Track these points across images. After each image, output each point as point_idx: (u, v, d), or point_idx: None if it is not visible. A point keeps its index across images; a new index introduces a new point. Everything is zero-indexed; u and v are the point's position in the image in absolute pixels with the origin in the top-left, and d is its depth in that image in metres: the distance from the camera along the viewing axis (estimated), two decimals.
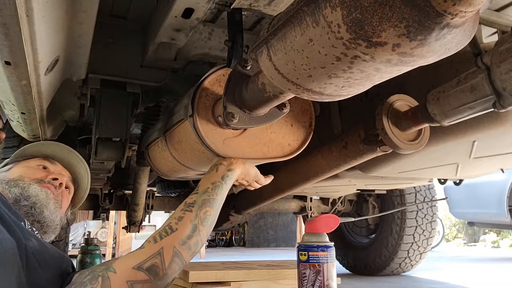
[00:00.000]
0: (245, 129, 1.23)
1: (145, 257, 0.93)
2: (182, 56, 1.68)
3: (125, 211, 3.00)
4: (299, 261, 1.08)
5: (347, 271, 3.77)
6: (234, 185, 1.23)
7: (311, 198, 3.30)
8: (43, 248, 0.99)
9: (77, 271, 1.01)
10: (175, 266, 0.95)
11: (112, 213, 5.66)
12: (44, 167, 1.26)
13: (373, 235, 3.57)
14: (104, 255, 6.07)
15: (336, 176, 1.91)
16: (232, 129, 1.19)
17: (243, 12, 1.32)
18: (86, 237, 2.30)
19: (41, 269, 0.94)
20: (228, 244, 11.93)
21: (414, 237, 3.28)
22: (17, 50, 0.94)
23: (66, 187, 1.29)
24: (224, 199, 1.13)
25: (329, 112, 1.81)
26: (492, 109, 1.08)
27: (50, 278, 0.96)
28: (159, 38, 1.50)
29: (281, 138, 1.29)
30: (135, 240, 7.57)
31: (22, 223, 1.03)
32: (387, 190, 3.22)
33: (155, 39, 1.52)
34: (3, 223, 0.91)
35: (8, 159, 1.33)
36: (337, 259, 3.75)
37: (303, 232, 1.15)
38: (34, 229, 1.09)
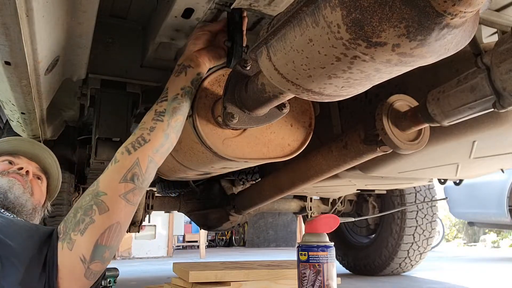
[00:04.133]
0: (244, 129, 1.23)
1: (125, 169, 0.97)
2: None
3: None
4: (299, 261, 1.08)
5: (347, 271, 3.77)
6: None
7: (311, 198, 3.29)
8: (10, 223, 1.00)
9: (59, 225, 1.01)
10: (150, 170, 1.01)
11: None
12: (9, 162, 1.29)
13: (373, 235, 3.57)
14: None
15: (336, 176, 1.91)
16: (232, 129, 1.19)
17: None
18: None
19: (11, 241, 0.93)
20: (228, 244, 11.93)
21: (414, 237, 3.28)
22: (17, 50, 0.95)
23: (38, 178, 1.32)
24: (193, 97, 1.15)
25: (329, 112, 1.81)
26: (492, 109, 1.07)
27: (26, 246, 0.94)
28: (159, 38, 1.50)
29: (281, 138, 1.29)
30: (135, 240, 7.60)
31: None
32: (387, 190, 3.22)
33: (155, 39, 1.52)
34: None
35: None
36: (337, 259, 3.75)
37: (303, 232, 1.15)
38: (6, 212, 1.12)
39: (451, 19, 0.53)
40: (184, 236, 10.95)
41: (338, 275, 1.12)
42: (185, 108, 1.09)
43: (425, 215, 3.31)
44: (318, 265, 1.04)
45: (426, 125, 1.24)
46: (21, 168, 1.27)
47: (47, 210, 1.39)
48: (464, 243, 11.08)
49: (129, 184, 0.97)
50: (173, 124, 1.05)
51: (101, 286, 1.06)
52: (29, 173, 1.28)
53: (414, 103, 1.31)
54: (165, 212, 6.50)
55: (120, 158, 1.00)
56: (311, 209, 3.28)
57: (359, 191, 3.04)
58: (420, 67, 0.65)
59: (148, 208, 2.90)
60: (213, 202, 2.87)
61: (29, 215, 1.21)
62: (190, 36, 1.21)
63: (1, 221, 0.98)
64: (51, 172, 1.42)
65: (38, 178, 1.33)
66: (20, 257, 0.90)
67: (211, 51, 1.18)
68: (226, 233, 11.93)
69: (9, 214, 1.12)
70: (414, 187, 3.28)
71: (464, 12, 0.52)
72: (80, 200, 0.97)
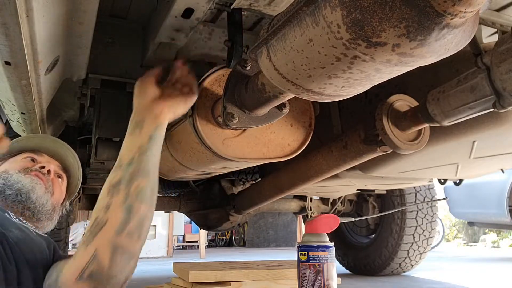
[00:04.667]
0: (244, 129, 1.23)
1: (82, 266, 0.82)
2: (182, 56, 1.68)
3: None
4: (299, 261, 1.08)
5: (347, 271, 3.77)
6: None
7: (311, 198, 3.29)
8: (26, 237, 0.98)
9: (57, 261, 0.98)
10: (119, 262, 0.83)
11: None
12: (32, 159, 1.25)
13: (373, 235, 3.57)
14: None
15: (336, 176, 1.91)
16: (232, 129, 1.19)
17: (243, 12, 1.32)
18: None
19: (25, 256, 0.93)
20: (228, 244, 11.93)
21: (414, 237, 3.28)
22: (17, 50, 0.94)
23: (58, 176, 1.28)
24: (159, 156, 0.95)
25: (329, 112, 1.81)
26: (492, 109, 1.07)
27: (36, 263, 0.95)
28: (159, 38, 1.50)
29: (281, 138, 1.29)
30: None
31: (6, 214, 1.03)
32: (387, 190, 3.22)
33: (155, 39, 1.52)
34: None
35: None
36: (337, 259, 3.75)
37: (303, 232, 1.15)
38: (23, 220, 1.09)
39: (451, 19, 0.53)
40: (184, 236, 10.95)
41: (338, 275, 1.12)
42: (147, 169, 0.90)
43: (425, 215, 3.31)
44: (318, 265, 1.04)
45: (426, 125, 1.24)
46: (43, 167, 1.22)
47: (65, 209, 1.35)
48: (464, 243, 11.08)
49: (85, 284, 0.81)
50: (134, 193, 0.86)
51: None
52: (50, 172, 1.24)
53: (414, 103, 1.31)
54: (165, 212, 6.49)
55: (80, 250, 0.84)
56: (311, 209, 3.28)
57: (359, 191, 3.04)
58: (420, 67, 0.65)
59: None
60: (213, 202, 2.87)
61: (48, 215, 1.17)
62: (134, 93, 1.03)
63: (18, 234, 0.96)
64: (72, 171, 1.37)
65: (59, 176, 1.29)
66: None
67: (167, 97, 1.01)
68: (226, 233, 11.93)
69: (30, 225, 1.09)
70: (414, 187, 3.28)
71: (464, 12, 0.52)
72: (53, 270, 0.91)
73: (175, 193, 3.20)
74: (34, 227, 1.12)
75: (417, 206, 3.27)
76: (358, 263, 3.62)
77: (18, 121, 1.73)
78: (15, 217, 1.06)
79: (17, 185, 1.12)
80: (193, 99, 1.07)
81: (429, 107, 1.17)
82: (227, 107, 1.09)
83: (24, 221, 1.09)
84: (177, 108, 1.02)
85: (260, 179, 2.79)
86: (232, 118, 1.08)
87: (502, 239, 9.77)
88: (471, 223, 5.91)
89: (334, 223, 1.12)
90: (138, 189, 0.87)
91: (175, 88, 1.04)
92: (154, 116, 0.96)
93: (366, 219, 3.53)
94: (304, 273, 1.06)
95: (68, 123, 2.46)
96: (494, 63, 1.02)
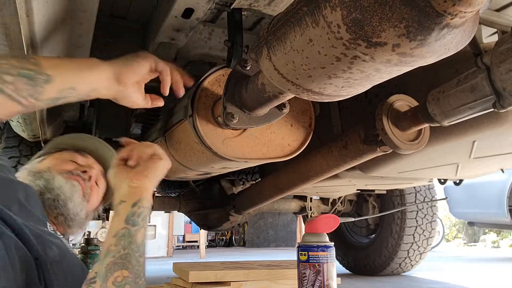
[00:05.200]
0: (244, 129, 1.23)
1: None
2: (182, 56, 1.68)
3: None
4: (299, 261, 1.08)
5: (347, 271, 3.77)
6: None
7: (311, 198, 3.29)
8: (63, 259, 0.93)
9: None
10: None
11: (112, 213, 5.65)
12: (75, 160, 1.21)
13: (373, 235, 3.57)
14: None
15: (336, 176, 1.91)
16: (232, 129, 1.19)
17: (243, 12, 1.32)
18: (86, 237, 2.31)
19: (58, 280, 0.89)
20: (228, 244, 11.93)
21: (414, 237, 3.28)
22: (17, 49, 0.95)
23: (97, 183, 1.22)
24: (144, 235, 0.85)
25: (329, 112, 1.81)
26: (492, 109, 1.07)
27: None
28: (159, 38, 1.50)
29: (281, 138, 1.29)
30: None
31: (48, 224, 1.01)
32: (387, 190, 3.22)
33: (155, 39, 1.52)
34: (21, 239, 0.86)
35: (42, 150, 1.29)
36: (337, 259, 3.75)
37: (303, 232, 1.15)
38: (58, 233, 1.07)
39: (451, 19, 0.53)
40: (184, 236, 10.95)
41: (338, 275, 1.12)
42: (128, 256, 0.79)
43: (425, 215, 3.31)
44: (318, 265, 1.04)
45: (426, 125, 1.24)
46: (85, 171, 1.17)
47: (97, 214, 1.30)
48: (464, 243, 11.08)
49: None
50: (111, 286, 0.77)
51: None
52: (91, 178, 1.18)
53: (414, 103, 1.31)
54: (165, 212, 6.49)
55: None
56: (311, 209, 3.28)
57: (359, 191, 3.04)
58: (420, 67, 0.65)
59: None
60: (213, 202, 2.87)
61: (79, 223, 1.14)
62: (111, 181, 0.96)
63: (56, 254, 0.92)
64: None
65: (97, 183, 1.22)
66: None
67: (139, 174, 0.91)
68: (226, 233, 11.93)
69: (59, 234, 1.07)
70: (414, 187, 3.28)
71: (464, 12, 0.52)
72: None
73: (175, 193, 3.20)
74: (63, 233, 1.10)
75: (417, 206, 3.27)
76: (358, 263, 3.63)
77: (18, 121, 1.73)
78: (52, 229, 1.04)
79: (57, 191, 1.09)
80: (164, 161, 0.95)
81: (429, 107, 1.18)
82: (227, 107, 1.09)
83: (59, 234, 1.07)
84: (153, 177, 0.92)
85: (260, 179, 2.79)
86: (232, 118, 1.08)
87: (502, 239, 9.77)
88: (471, 223, 5.91)
89: (334, 223, 1.12)
90: (119, 281, 0.77)
91: (141, 162, 0.93)
92: (132, 193, 0.87)
93: (366, 219, 3.53)
94: (304, 273, 1.05)
95: (68, 123, 2.46)
96: (494, 63, 1.02)
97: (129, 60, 0.93)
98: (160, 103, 1.04)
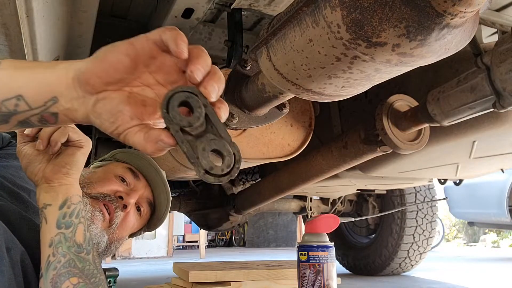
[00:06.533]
0: (244, 130, 1.23)
1: None
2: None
3: None
4: (299, 261, 1.08)
5: (347, 271, 3.77)
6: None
7: (311, 198, 3.29)
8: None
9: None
10: None
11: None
12: (124, 177, 1.08)
13: (373, 235, 3.57)
14: None
15: (336, 176, 1.91)
16: (232, 129, 1.19)
17: (243, 12, 1.32)
18: None
19: None
20: (228, 244, 11.94)
21: (414, 237, 3.28)
22: (17, 50, 0.95)
23: (138, 208, 1.10)
24: (87, 226, 0.78)
25: (329, 112, 1.81)
26: (492, 109, 1.08)
27: None
28: None
29: (281, 138, 1.29)
30: (135, 240, 7.60)
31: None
32: (387, 190, 3.23)
33: None
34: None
35: (107, 155, 1.21)
36: (337, 259, 3.75)
37: (303, 232, 1.15)
38: None
39: (451, 19, 0.53)
40: (184, 236, 10.96)
41: (338, 275, 1.12)
42: (73, 263, 0.72)
43: (425, 215, 3.31)
44: (318, 265, 1.04)
45: (426, 125, 1.24)
46: (121, 198, 1.02)
47: (138, 235, 1.18)
48: (464, 243, 11.08)
49: None
50: None
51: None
52: (127, 207, 1.03)
53: (414, 103, 1.31)
54: None
55: None
56: (311, 209, 3.28)
57: (359, 191, 3.04)
58: (420, 67, 0.65)
59: None
60: (213, 202, 2.87)
61: (100, 254, 0.98)
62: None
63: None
64: (159, 209, 1.16)
65: (139, 208, 1.09)
66: None
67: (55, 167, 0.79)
68: (226, 233, 11.93)
69: None
70: (414, 187, 3.28)
71: (464, 12, 0.52)
72: None
73: (175, 193, 3.20)
74: None
75: (417, 206, 3.27)
76: (358, 263, 3.63)
77: None
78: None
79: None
80: (84, 148, 0.84)
81: (429, 107, 1.18)
82: None
83: None
84: (76, 171, 0.80)
85: (260, 179, 2.79)
86: (232, 118, 1.08)
87: (502, 239, 9.77)
88: (471, 223, 5.91)
89: (334, 223, 1.12)
90: None
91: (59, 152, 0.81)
92: (55, 198, 0.76)
93: (366, 219, 3.53)
94: (304, 273, 1.06)
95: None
96: (494, 63, 1.02)
97: (105, 50, 0.55)
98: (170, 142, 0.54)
